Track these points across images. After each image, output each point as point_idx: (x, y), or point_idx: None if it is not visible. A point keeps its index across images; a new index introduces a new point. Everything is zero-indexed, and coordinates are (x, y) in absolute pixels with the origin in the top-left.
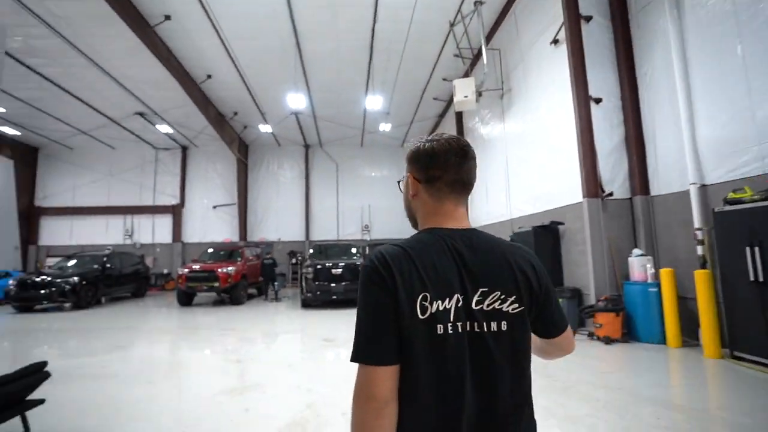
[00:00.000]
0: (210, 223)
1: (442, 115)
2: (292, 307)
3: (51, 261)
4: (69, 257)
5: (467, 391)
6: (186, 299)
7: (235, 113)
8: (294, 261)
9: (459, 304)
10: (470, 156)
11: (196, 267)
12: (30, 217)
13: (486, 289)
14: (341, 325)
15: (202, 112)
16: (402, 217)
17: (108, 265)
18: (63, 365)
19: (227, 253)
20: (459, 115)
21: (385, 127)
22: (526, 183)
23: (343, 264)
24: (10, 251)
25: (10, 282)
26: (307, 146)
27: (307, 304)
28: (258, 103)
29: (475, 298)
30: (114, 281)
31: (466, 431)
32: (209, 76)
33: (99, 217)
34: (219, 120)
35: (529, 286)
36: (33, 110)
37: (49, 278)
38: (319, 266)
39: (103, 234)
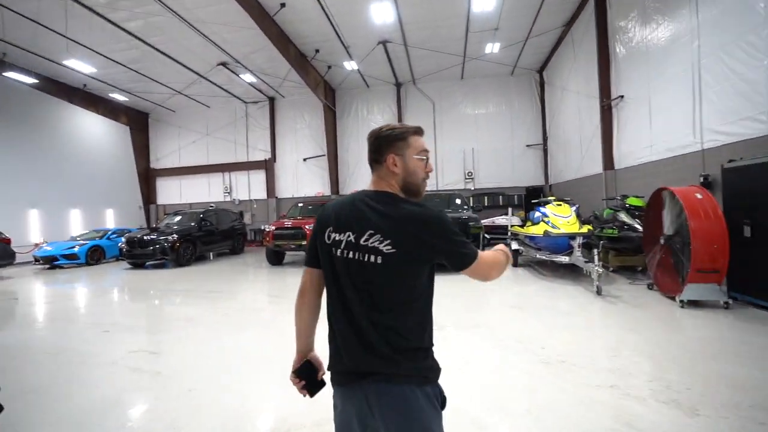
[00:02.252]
0: (301, 177)
1: (570, 23)
2: None
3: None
4: (175, 214)
5: (349, 289)
6: (275, 258)
7: (317, 51)
8: None
9: (349, 239)
10: (369, 140)
11: (288, 223)
12: (148, 178)
13: (372, 232)
14: (453, 301)
15: (282, 53)
16: (510, 162)
17: (204, 223)
18: (105, 347)
19: (317, 207)
20: (601, 14)
21: (492, 47)
22: (743, 89)
23: None
24: (135, 211)
25: (122, 240)
26: (398, 84)
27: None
28: (340, 33)
29: (363, 237)
30: (211, 238)
31: (356, 314)
32: (282, 5)
33: (201, 175)
34: (301, 61)
35: (413, 237)
36: (132, 73)
37: (153, 236)
38: None
39: (206, 192)
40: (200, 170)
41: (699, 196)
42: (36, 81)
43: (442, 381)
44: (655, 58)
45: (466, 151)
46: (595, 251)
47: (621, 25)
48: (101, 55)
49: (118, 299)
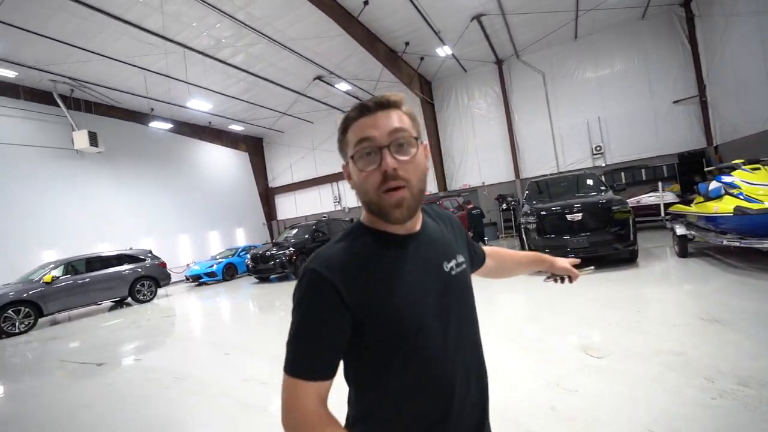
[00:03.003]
0: None
1: None
2: None
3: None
4: (291, 227)
5: None
6: None
7: (407, 44)
8: (504, 206)
9: None
10: None
11: None
12: (267, 197)
13: None
14: (595, 308)
15: (372, 53)
16: (651, 126)
17: (317, 234)
18: (222, 372)
19: (425, 208)
20: None
21: None
22: None
23: (580, 205)
24: (260, 227)
25: (248, 257)
26: (499, 62)
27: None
28: (429, 18)
29: None
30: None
31: None
32: (366, 2)
33: (312, 188)
34: (392, 58)
35: None
36: (243, 104)
37: (273, 251)
38: (543, 212)
39: (318, 203)
40: (311, 183)
41: None
42: (172, 126)
43: None
44: None
45: (590, 122)
46: None
47: None
48: (217, 93)
49: (241, 315)
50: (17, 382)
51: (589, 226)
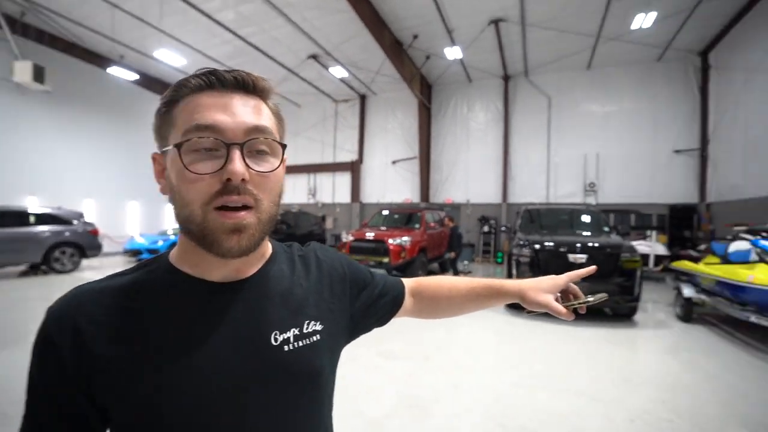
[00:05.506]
0: (389, 181)
1: None
2: None
3: None
4: None
5: None
6: None
7: (415, 36)
8: (486, 229)
9: None
10: None
11: (369, 235)
12: None
13: None
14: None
15: (376, 38)
16: (649, 172)
17: (282, 226)
18: None
19: (404, 217)
20: None
21: (643, 20)
22: None
23: (586, 246)
24: None
25: None
26: (506, 78)
27: (516, 305)
28: (444, 12)
29: None
30: (290, 241)
31: None
32: None
33: (287, 176)
34: (396, 50)
35: None
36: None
37: None
38: (538, 246)
39: (291, 193)
40: (286, 171)
41: None
42: (138, 78)
43: None
44: None
45: (588, 156)
46: None
47: None
48: (198, 50)
49: None
50: None
51: (595, 273)
